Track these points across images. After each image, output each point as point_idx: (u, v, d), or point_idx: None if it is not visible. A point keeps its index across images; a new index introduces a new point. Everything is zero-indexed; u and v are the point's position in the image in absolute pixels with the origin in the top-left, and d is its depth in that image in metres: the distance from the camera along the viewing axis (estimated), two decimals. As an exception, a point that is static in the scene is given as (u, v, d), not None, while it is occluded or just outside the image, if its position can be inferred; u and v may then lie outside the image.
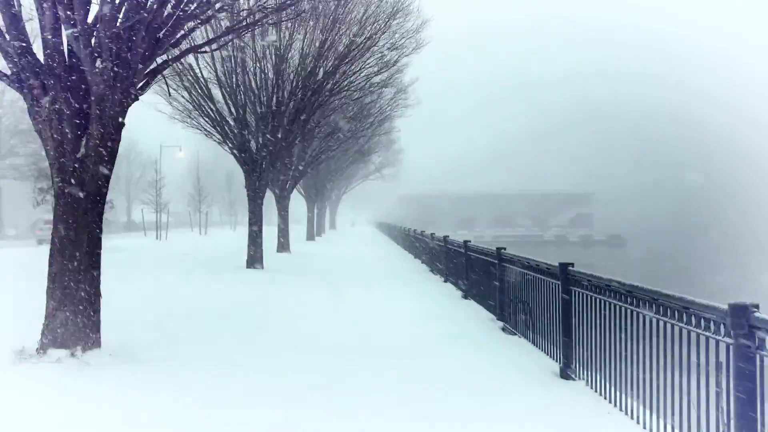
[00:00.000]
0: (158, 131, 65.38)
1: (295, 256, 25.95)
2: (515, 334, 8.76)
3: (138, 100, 8.15)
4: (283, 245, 27.44)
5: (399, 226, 39.04)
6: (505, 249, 9.82)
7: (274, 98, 18.89)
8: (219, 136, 19.11)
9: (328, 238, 45.79)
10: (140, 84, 7.83)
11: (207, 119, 18.72)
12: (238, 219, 75.66)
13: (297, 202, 48.64)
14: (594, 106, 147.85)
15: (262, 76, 18.87)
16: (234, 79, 18.35)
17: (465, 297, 12.92)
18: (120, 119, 7.45)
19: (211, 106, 18.44)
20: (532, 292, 7.93)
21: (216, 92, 18.64)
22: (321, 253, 29.16)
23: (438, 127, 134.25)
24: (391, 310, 11.27)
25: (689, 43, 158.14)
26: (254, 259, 19.17)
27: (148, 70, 7.87)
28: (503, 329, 9.28)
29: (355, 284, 15.56)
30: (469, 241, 13.20)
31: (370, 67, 19.96)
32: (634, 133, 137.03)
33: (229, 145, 19.01)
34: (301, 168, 27.97)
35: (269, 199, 26.80)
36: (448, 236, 16.44)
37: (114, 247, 27.97)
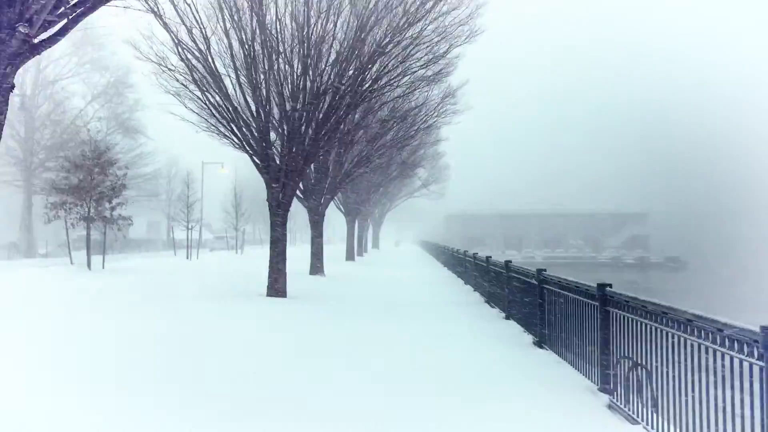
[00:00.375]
0: (200, 147, 63.73)
1: (329, 280, 22.78)
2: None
3: (39, 53, 5.21)
4: (317, 267, 24.30)
5: (446, 247, 35.62)
6: (610, 286, 6.46)
7: (301, 95, 15.85)
8: (235, 140, 16.10)
9: (370, 259, 42.64)
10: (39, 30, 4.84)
11: (219, 117, 15.71)
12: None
13: (339, 220, 45.62)
14: (648, 123, 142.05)
15: (286, 66, 15.83)
16: (252, 70, 15.34)
17: (539, 345, 9.45)
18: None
19: (225, 103, 15.44)
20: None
21: (230, 86, 15.67)
22: (359, 276, 25.94)
23: (484, 145, 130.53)
24: (436, 363, 7.91)
25: (746, 52, 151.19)
26: (275, 288, 16.02)
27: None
28: (631, 420, 5.85)
29: (390, 321, 12.22)
30: (544, 271, 9.71)
31: (414, 59, 16.68)
32: (689, 150, 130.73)
33: (248, 149, 15.97)
34: (337, 180, 24.85)
35: (303, 215, 23.84)
36: (511, 262, 12.97)
37: (128, 269, 25.50)
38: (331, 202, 38.49)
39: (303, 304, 14.73)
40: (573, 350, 7.94)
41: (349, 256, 36.79)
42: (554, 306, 8.76)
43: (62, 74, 52.04)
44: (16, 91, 47.81)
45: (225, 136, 17.04)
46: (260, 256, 41.56)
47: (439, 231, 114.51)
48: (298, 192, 24.61)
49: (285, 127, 16.12)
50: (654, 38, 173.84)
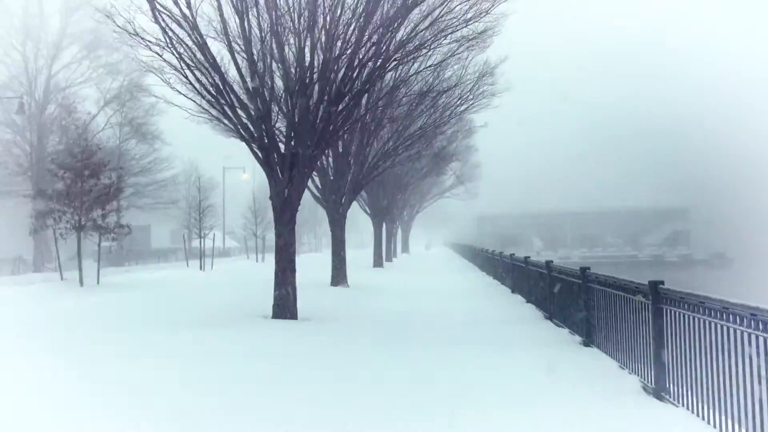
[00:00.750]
0: (222, 150, 60.78)
1: (353, 292, 19.31)
2: None
3: None
4: (339, 276, 20.84)
5: (482, 249, 31.91)
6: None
7: (308, 63, 12.38)
8: (228, 123, 12.69)
9: (400, 264, 39.09)
10: None
11: (205, 92, 12.27)
12: (301, 242, 70.37)
13: (365, 223, 42.17)
14: (687, 116, 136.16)
15: (291, 27, 12.35)
16: (246, 29, 11.88)
17: (658, 396, 5.92)
18: None
19: (212, 74, 11.99)
20: None
21: (218, 48, 12.22)
22: (387, 285, 22.44)
23: (514, 143, 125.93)
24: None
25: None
26: (284, 306, 12.58)
27: None
28: None
29: (430, 358, 8.62)
30: (660, 284, 6.22)
31: (452, 15, 13.10)
32: (729, 143, 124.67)
33: (244, 135, 12.54)
34: (360, 175, 21.38)
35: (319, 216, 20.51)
36: (589, 269, 9.38)
37: (127, 284, 22.17)
38: (356, 204, 35.15)
39: (314, 331, 11.21)
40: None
41: (378, 262, 33.30)
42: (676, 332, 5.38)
43: (74, 79, 49.56)
44: (26, 97, 45.50)
45: (217, 119, 13.67)
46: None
47: (471, 233, 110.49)
48: (314, 190, 21.21)
49: (290, 104, 12.67)
50: (695, 33, 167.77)
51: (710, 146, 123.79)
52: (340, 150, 20.64)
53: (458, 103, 21.87)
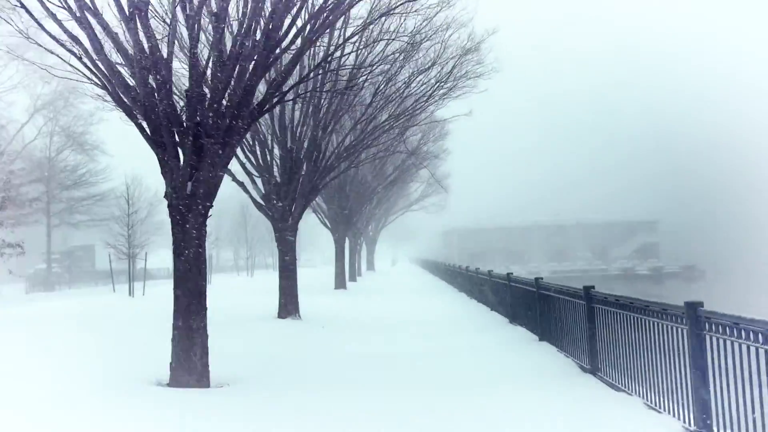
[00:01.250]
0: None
1: (303, 326, 14.61)
2: None
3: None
4: (288, 306, 16.06)
5: (461, 267, 27.46)
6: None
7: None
8: (96, 74, 7.97)
9: (365, 284, 34.39)
10: None
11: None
12: (257, 262, 65.07)
13: (328, 238, 37.42)
14: (652, 130, 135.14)
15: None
16: None
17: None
18: None
19: None
20: None
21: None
22: (351, 314, 17.82)
23: (481, 157, 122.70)
24: None
25: (760, 56, 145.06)
26: (186, 366, 7.86)
27: None
28: None
29: None
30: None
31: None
32: (696, 156, 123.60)
33: (121, 95, 7.86)
34: (315, 178, 16.67)
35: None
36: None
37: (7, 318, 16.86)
38: (315, 217, 30.37)
39: (224, 416, 6.47)
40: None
41: (339, 283, 28.55)
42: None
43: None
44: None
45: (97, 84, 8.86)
46: (228, 288, 33.26)
47: (437, 248, 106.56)
48: (256, 195, 16.49)
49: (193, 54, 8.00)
50: (660, 44, 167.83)
51: (677, 159, 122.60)
52: (288, 144, 15.99)
53: (435, 87, 17.39)
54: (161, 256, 66.41)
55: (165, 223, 58.73)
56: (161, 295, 27.42)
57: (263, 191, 16.22)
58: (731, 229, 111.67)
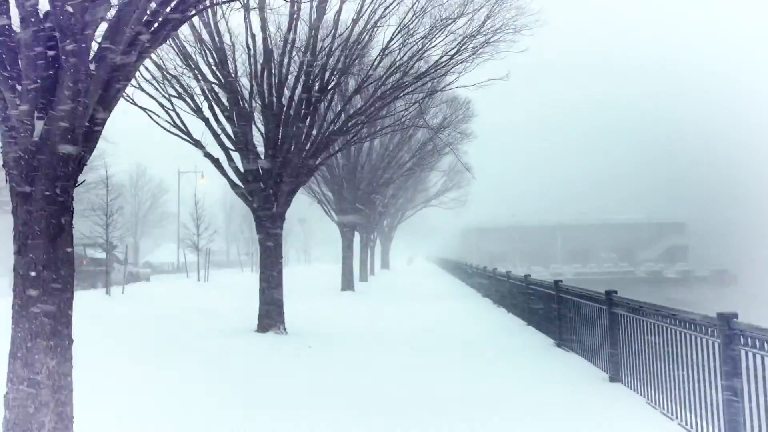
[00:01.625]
0: (175, 154, 52.46)
1: (287, 347, 10.97)
2: None
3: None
4: (270, 316, 12.45)
5: (490, 270, 23.69)
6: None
7: None
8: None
9: (378, 284, 30.79)
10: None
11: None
12: (289, 257, 61.70)
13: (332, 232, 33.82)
14: (681, 129, 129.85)
15: None
16: None
17: None
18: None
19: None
20: None
21: None
22: (349, 324, 14.27)
23: (503, 155, 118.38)
24: None
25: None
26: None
27: None
28: None
29: None
30: None
31: None
32: (727, 156, 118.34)
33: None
34: (309, 152, 13.04)
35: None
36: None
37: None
38: (320, 208, 26.86)
39: None
40: None
41: (347, 284, 24.95)
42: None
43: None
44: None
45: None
46: (235, 283, 29.88)
47: (455, 246, 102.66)
48: (233, 174, 12.90)
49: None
50: (690, 42, 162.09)
51: (707, 158, 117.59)
52: (274, 107, 12.38)
53: (461, 44, 13.64)
54: (172, 249, 63.37)
55: (168, 215, 55.55)
56: (146, 294, 24.01)
57: (242, 171, 12.63)
58: (764, 233, 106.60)
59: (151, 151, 52.42)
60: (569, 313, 10.11)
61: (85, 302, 19.88)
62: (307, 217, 54.98)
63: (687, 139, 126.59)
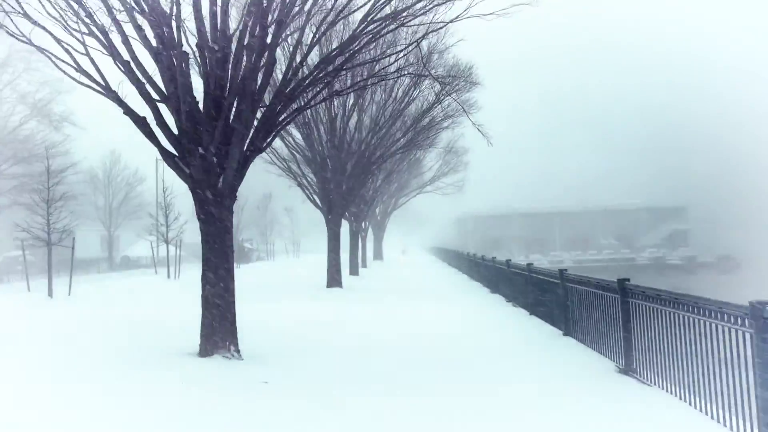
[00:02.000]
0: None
1: (228, 376, 7.38)
2: None
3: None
4: (214, 334, 8.83)
5: (503, 263, 20.14)
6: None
7: None
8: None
9: (370, 278, 27.21)
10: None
11: None
12: (275, 249, 57.83)
13: (318, 220, 30.18)
14: (680, 111, 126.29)
15: None
16: None
17: None
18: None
19: None
20: None
21: None
22: (328, 336, 10.77)
23: (498, 140, 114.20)
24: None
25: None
26: None
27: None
28: None
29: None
30: None
31: None
32: (727, 140, 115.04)
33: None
34: (278, 104, 9.42)
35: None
36: None
37: None
38: (302, 196, 23.23)
39: None
40: None
41: (333, 280, 21.36)
42: None
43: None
44: None
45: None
46: (188, 284, 26.27)
47: (450, 235, 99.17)
48: (166, 142, 9.29)
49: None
50: (694, 27, 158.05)
51: (708, 141, 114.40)
52: (209, 38, 8.73)
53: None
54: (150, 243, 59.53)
55: (145, 206, 51.70)
56: (95, 296, 20.28)
57: (175, 131, 8.98)
58: (761, 216, 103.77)
59: (126, 137, 48.50)
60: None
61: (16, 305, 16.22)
62: (294, 206, 51.26)
63: (688, 124, 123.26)
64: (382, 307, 15.56)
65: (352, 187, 21.87)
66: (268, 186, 46.59)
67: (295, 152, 21.87)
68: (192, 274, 30.96)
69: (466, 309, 15.12)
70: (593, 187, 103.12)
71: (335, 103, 21.46)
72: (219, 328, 8.78)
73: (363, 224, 34.88)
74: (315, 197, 21.91)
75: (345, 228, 31.02)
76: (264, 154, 21.11)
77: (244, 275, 31.53)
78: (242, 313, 9.62)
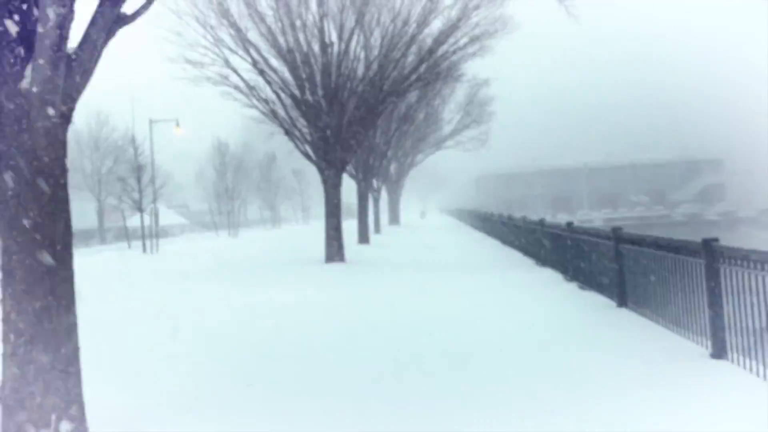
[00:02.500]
0: (141, 99, 43.65)
1: None
2: None
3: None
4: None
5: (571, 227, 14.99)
6: None
7: None
8: None
9: (380, 247, 22.27)
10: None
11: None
12: (281, 215, 53.06)
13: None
14: (711, 60, 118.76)
15: None
16: None
17: None
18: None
19: None
20: None
21: None
22: (312, 339, 5.75)
23: (523, 87, 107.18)
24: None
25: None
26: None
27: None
28: None
29: None
30: None
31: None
32: (755, 88, 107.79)
33: None
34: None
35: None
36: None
37: None
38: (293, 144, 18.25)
39: None
40: None
41: (333, 252, 16.40)
42: None
43: None
44: None
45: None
46: (165, 258, 21.80)
47: (469, 196, 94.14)
48: None
49: None
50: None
51: (741, 90, 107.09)
52: None
53: None
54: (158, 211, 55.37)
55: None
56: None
57: None
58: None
59: (113, 97, 43.50)
60: None
61: None
62: (303, 168, 46.19)
63: (723, 70, 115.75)
64: (391, 291, 10.66)
65: (356, 133, 16.81)
66: (272, 146, 41.57)
67: (280, 91, 16.85)
68: (171, 248, 26.38)
69: (515, 291, 10.15)
70: (621, 140, 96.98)
71: (329, 25, 16.43)
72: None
73: (374, 183, 29.83)
74: (307, 147, 16.89)
75: (352, 188, 26.07)
76: (242, 95, 16.22)
77: (232, 247, 26.82)
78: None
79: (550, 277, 12.06)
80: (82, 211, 51.92)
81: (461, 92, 35.34)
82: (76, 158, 41.58)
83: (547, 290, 10.35)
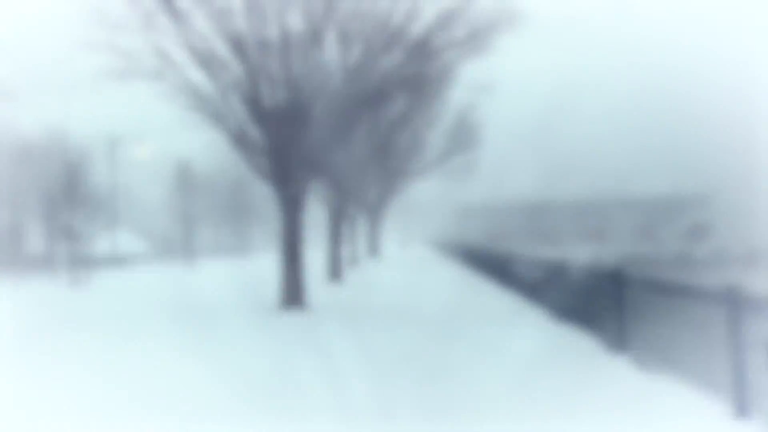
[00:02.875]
0: (104, 116, 39.79)
1: None
2: None
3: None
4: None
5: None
6: None
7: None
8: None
9: (355, 289, 18.23)
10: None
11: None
12: (249, 242, 48.59)
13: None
14: (701, 93, 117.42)
15: None
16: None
17: None
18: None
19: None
20: None
21: None
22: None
23: (501, 127, 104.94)
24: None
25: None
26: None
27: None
28: None
29: None
30: None
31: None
32: (749, 124, 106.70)
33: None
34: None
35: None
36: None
37: None
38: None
39: None
40: None
41: (290, 296, 12.35)
42: None
43: None
44: None
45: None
46: (98, 294, 17.62)
47: (451, 228, 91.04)
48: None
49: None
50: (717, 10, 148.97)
51: (731, 127, 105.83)
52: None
53: None
54: (120, 237, 50.89)
55: (96, 194, 42.80)
56: None
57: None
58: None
59: (67, 113, 39.38)
60: None
61: None
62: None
63: (714, 104, 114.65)
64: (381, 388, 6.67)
65: (323, 144, 12.95)
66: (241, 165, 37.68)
67: (229, 88, 12.98)
68: (109, 282, 22.06)
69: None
70: (607, 175, 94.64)
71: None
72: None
73: (348, 211, 25.79)
74: (261, 160, 12.92)
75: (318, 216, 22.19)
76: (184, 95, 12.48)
77: (176, 282, 22.38)
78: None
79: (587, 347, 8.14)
80: (19, 233, 47.17)
81: (449, 118, 32.01)
82: (28, 178, 37.25)
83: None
